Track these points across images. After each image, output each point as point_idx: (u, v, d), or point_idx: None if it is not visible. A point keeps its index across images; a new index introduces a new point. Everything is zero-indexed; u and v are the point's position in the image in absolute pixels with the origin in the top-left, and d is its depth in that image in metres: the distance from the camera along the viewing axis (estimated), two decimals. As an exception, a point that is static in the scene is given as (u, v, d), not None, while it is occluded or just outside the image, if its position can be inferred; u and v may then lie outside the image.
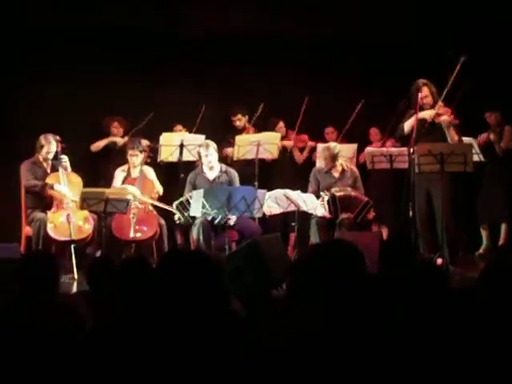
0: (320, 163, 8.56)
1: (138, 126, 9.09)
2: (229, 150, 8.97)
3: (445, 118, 7.50)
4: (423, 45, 9.43)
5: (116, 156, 9.04)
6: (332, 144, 8.49)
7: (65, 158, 8.11)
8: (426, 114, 7.53)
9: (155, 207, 8.30)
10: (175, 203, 7.74)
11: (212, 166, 8.12)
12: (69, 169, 8.14)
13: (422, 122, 7.54)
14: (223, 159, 8.77)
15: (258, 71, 9.66)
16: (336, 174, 8.29)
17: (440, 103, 7.59)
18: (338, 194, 7.88)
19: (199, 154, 8.16)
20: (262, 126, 9.38)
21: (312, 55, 9.69)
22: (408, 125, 7.64)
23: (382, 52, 9.64)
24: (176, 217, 7.75)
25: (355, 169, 8.53)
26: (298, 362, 2.31)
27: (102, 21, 9.24)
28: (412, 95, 7.61)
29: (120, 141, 9.14)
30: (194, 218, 7.64)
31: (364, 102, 9.11)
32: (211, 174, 8.15)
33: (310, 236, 8.01)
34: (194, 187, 7.97)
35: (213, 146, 8.09)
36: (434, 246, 7.60)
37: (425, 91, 7.60)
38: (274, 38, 9.55)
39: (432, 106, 7.61)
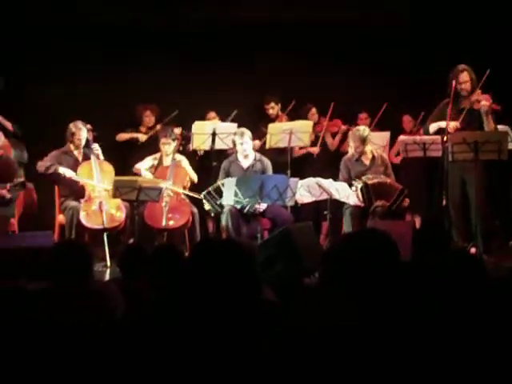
0: (351, 150, 8.51)
1: (164, 121, 9.11)
2: (255, 143, 8.95)
3: (484, 103, 7.39)
4: (461, 31, 9.35)
5: (146, 144, 9.08)
6: (361, 127, 8.41)
7: (96, 147, 8.16)
8: (449, 125, 7.45)
9: (187, 195, 8.31)
10: (203, 193, 7.74)
11: (247, 154, 8.13)
12: (101, 157, 8.19)
13: (457, 112, 7.47)
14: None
15: (289, 58, 9.65)
16: (367, 162, 8.21)
17: (478, 91, 7.50)
18: (370, 182, 7.80)
19: (234, 141, 8.15)
20: (294, 113, 9.37)
21: (341, 41, 9.64)
22: (434, 127, 7.64)
23: (415, 37, 9.56)
24: (206, 207, 7.77)
25: (385, 156, 8.47)
26: (332, 351, 2.30)
27: (107, 20, 9.29)
28: (450, 81, 7.52)
29: (142, 137, 9.15)
30: (222, 206, 7.65)
31: (398, 89, 9.11)
32: (245, 162, 8.15)
33: (342, 225, 7.98)
34: (228, 175, 7.98)
35: (248, 134, 8.08)
36: (467, 235, 7.54)
37: (464, 77, 7.50)
38: (305, 24, 9.53)
39: (470, 93, 7.52)
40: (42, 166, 8.03)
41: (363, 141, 8.12)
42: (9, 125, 8.38)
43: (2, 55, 9.07)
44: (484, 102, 7.40)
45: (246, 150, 8.08)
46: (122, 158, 9.01)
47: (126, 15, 9.32)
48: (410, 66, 9.52)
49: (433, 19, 9.40)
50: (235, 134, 8.13)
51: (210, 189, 7.72)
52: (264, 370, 2.35)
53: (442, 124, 7.51)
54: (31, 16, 9.13)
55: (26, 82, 9.11)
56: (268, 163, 8.22)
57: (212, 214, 7.89)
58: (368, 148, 8.21)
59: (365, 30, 9.56)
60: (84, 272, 3.90)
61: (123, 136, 9.22)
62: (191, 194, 8.22)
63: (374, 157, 8.22)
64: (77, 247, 4.06)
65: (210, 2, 9.37)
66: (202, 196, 7.76)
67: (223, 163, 8.23)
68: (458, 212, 7.57)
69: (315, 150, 9.14)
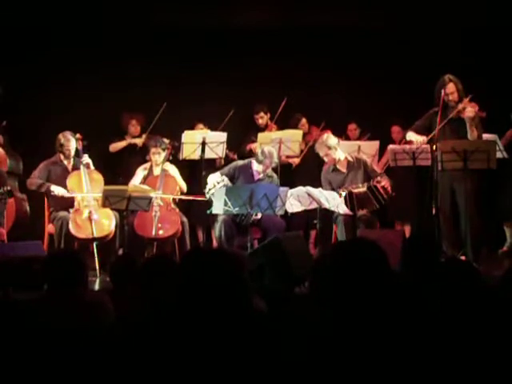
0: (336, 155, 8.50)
1: (154, 120, 9.06)
2: (253, 146, 8.96)
3: (469, 110, 7.42)
4: (448, 40, 9.38)
5: (134, 153, 9.08)
6: (324, 135, 8.21)
7: (86, 158, 8.14)
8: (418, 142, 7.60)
9: (177, 205, 8.32)
10: (215, 177, 7.72)
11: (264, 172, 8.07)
12: (92, 167, 8.18)
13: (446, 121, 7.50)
14: (248, 153, 8.80)
15: (280, 68, 9.68)
16: (343, 169, 8.10)
17: (465, 100, 7.53)
18: (354, 191, 7.73)
19: (260, 160, 7.88)
20: (284, 122, 9.37)
21: (335, 50, 9.67)
22: (410, 136, 7.79)
23: (407, 46, 9.59)
24: (210, 188, 7.69)
25: (361, 156, 8.36)
26: (324, 361, 2.30)
27: (121, 21, 9.28)
28: (436, 91, 7.55)
29: (139, 142, 9.13)
30: (216, 215, 7.64)
31: (387, 99, 9.11)
32: (258, 176, 8.07)
33: (332, 233, 7.98)
34: (233, 176, 7.93)
35: (276, 159, 8.02)
36: (457, 243, 7.56)
37: (451, 87, 7.53)
38: (295, 33, 9.57)
39: (457, 103, 7.55)
40: (33, 183, 8.03)
41: (328, 147, 8.01)
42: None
43: (16, 58, 9.16)
44: (469, 109, 7.43)
45: (265, 171, 7.99)
46: (112, 168, 9.00)
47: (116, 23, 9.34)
48: (400, 76, 9.56)
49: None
50: (265, 155, 7.86)
51: (221, 183, 7.66)
52: (253, 380, 2.35)
53: (414, 138, 7.68)
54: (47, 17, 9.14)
55: (21, 92, 9.09)
56: (277, 180, 8.14)
57: (207, 196, 7.77)
58: (340, 155, 8.09)
59: (353, 38, 9.61)
60: (76, 281, 3.89)
61: (119, 145, 9.20)
62: (185, 197, 8.22)
63: (349, 162, 8.14)
64: (70, 256, 4.04)
65: (199, 10, 9.36)
66: (221, 179, 7.69)
67: (236, 164, 8.13)
68: (447, 221, 7.59)
69: (295, 160, 9.13)
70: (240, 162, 8.20)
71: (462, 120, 7.51)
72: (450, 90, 7.52)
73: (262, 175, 8.03)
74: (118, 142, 9.20)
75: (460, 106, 7.50)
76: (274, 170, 8.37)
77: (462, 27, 9.27)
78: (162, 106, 8.94)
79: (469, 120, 7.45)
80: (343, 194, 7.68)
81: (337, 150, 8.04)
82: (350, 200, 7.63)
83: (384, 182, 7.78)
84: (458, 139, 7.43)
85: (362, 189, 7.74)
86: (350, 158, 8.15)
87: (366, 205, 7.71)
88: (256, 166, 8.00)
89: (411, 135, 7.74)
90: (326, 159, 8.12)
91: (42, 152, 8.44)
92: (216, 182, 7.68)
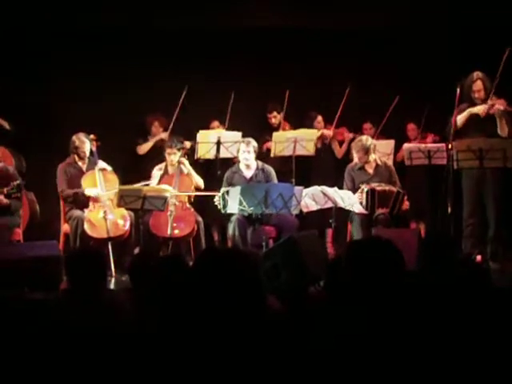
0: (356, 159, 8.51)
1: (175, 112, 9.05)
2: (269, 144, 8.95)
3: (498, 107, 7.37)
4: (463, 40, 9.33)
5: (150, 152, 9.09)
6: (363, 136, 8.34)
7: (102, 164, 8.16)
8: (479, 110, 7.40)
9: (192, 204, 8.32)
10: (223, 189, 7.71)
11: (248, 164, 8.12)
12: (109, 168, 8.19)
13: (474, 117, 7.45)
14: (264, 153, 8.80)
15: (294, 67, 9.68)
16: (370, 170, 8.13)
17: (493, 96, 7.48)
18: (378, 189, 7.75)
19: (239, 148, 8.16)
20: (295, 117, 9.37)
21: (349, 49, 9.66)
22: (461, 119, 7.50)
23: (419, 45, 9.55)
24: (216, 199, 7.69)
25: (389, 163, 8.41)
26: (342, 362, 2.30)
27: (135, 21, 9.29)
28: (465, 87, 7.49)
29: (164, 136, 9.07)
30: (230, 215, 7.64)
31: (401, 97, 9.06)
32: (248, 173, 8.15)
33: (347, 232, 7.98)
34: (231, 185, 7.95)
35: (253, 144, 8.10)
36: (475, 242, 7.52)
37: (478, 85, 7.49)
38: (308, 32, 9.57)
39: (483, 101, 7.49)
40: (69, 195, 8.05)
41: (366, 150, 8.04)
42: (5, 124, 8.43)
43: (36, 58, 9.18)
44: (498, 105, 7.38)
45: (247, 159, 8.09)
46: (126, 168, 9.01)
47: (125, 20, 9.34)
48: (413, 72, 9.52)
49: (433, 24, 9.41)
50: (243, 141, 8.16)
51: (225, 190, 7.68)
52: (271, 380, 2.35)
53: (473, 109, 7.45)
54: (33, 22, 9.12)
55: (28, 88, 9.08)
56: (271, 171, 8.22)
57: (219, 207, 7.79)
58: (372, 157, 8.14)
59: (366, 35, 9.58)
60: (97, 281, 3.89)
61: (146, 146, 9.22)
62: (200, 193, 8.24)
63: (377, 165, 8.16)
64: (91, 255, 4.03)
65: (213, 9, 9.36)
66: (221, 191, 7.69)
67: (226, 173, 8.23)
68: (472, 219, 7.54)
69: (329, 133, 9.23)
70: (229, 170, 8.29)
71: (489, 118, 7.45)
72: (478, 87, 7.48)
73: (253, 171, 8.16)
74: (144, 144, 9.22)
75: (488, 103, 7.43)
76: (289, 171, 8.41)
77: (474, 24, 9.23)
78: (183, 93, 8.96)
79: (498, 114, 7.39)
80: (365, 189, 7.69)
81: (372, 153, 8.11)
82: (372, 197, 7.66)
83: (407, 203, 7.85)
84: (484, 137, 7.37)
85: (385, 187, 7.76)
86: (378, 162, 8.18)
87: (385, 203, 7.71)
88: (242, 165, 8.15)
89: (460, 117, 7.52)
90: (357, 159, 8.15)
91: (54, 153, 8.46)
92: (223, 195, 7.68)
